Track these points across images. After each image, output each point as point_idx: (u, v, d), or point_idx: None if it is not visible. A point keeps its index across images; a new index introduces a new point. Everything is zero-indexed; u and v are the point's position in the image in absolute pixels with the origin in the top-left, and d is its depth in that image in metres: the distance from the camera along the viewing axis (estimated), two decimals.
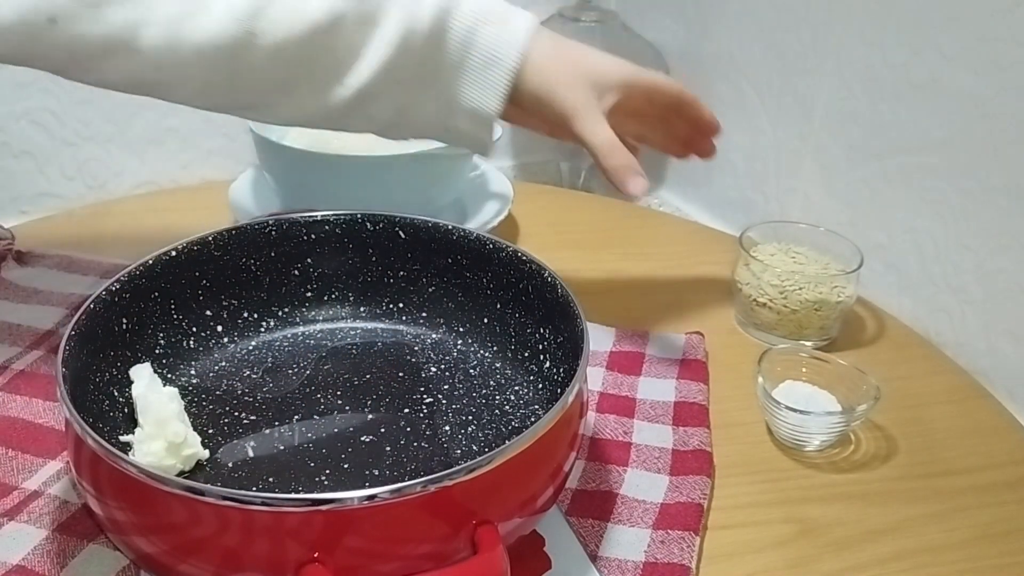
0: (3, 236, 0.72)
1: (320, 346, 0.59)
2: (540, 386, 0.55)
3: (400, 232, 0.60)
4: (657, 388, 0.62)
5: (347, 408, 0.54)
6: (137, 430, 0.48)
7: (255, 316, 0.60)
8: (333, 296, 0.61)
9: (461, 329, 0.60)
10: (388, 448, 0.51)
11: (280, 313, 0.60)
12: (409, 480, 0.38)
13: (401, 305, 0.61)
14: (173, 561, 0.40)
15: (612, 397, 0.61)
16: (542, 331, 0.56)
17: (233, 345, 0.58)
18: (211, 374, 0.56)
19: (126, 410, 0.50)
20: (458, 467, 0.39)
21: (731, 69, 0.91)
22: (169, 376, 0.55)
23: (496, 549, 0.40)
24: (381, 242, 0.60)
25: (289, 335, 0.60)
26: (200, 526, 0.39)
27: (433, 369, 0.57)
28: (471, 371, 0.57)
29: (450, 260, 0.59)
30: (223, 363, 0.57)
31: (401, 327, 0.61)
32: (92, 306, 0.49)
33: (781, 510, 0.54)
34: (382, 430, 0.52)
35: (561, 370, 0.53)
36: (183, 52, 0.53)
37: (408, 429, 0.52)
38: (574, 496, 0.52)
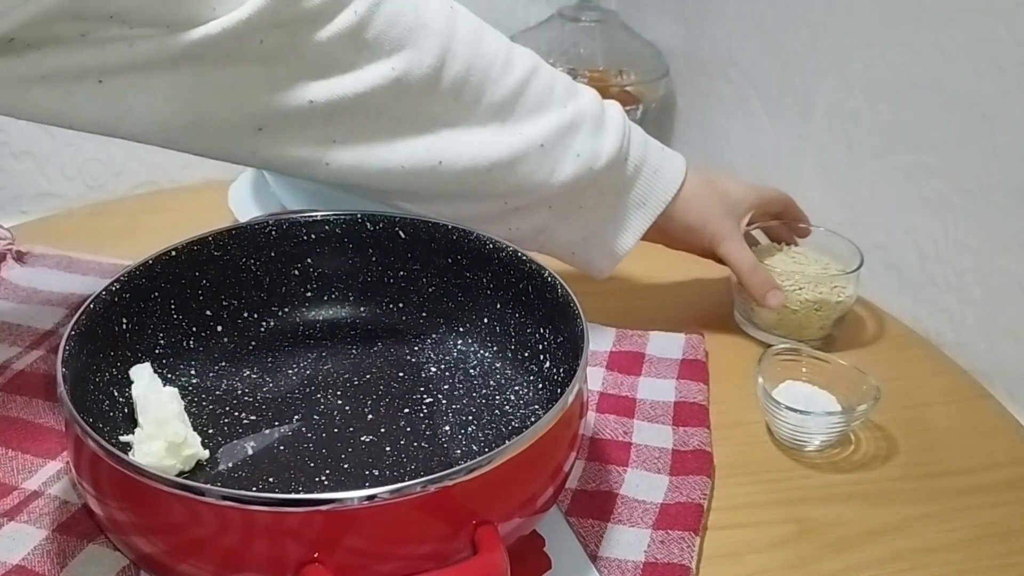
0: (3, 236, 0.72)
1: (320, 346, 0.59)
2: (540, 386, 0.55)
3: (400, 232, 0.60)
4: (657, 388, 0.62)
5: (347, 408, 0.54)
6: (137, 430, 0.48)
7: (255, 316, 0.60)
8: (333, 296, 0.61)
9: (461, 329, 0.60)
10: (388, 448, 0.51)
11: (280, 313, 0.60)
12: (409, 480, 0.38)
13: (401, 305, 0.61)
14: (173, 561, 0.40)
15: (612, 397, 0.61)
16: (542, 331, 0.56)
17: (233, 345, 0.58)
18: (211, 374, 0.56)
19: (126, 410, 0.50)
20: (458, 467, 0.39)
21: (731, 69, 0.91)
22: (169, 376, 0.55)
23: (496, 549, 0.40)
24: (381, 242, 0.60)
25: (289, 335, 0.60)
26: (200, 526, 0.39)
27: (433, 369, 0.57)
28: (471, 371, 0.57)
29: (450, 260, 0.59)
30: (223, 363, 0.57)
31: (401, 327, 0.61)
32: (92, 306, 0.49)
33: (781, 510, 0.54)
34: (382, 430, 0.52)
35: (561, 370, 0.53)
36: (369, 171, 0.57)
37: (408, 429, 0.52)
38: (574, 496, 0.52)
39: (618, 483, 0.54)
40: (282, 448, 0.50)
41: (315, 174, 0.57)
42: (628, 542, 0.49)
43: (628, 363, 0.65)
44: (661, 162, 0.65)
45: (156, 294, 0.55)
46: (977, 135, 0.67)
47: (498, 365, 0.58)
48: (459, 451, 0.51)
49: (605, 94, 0.64)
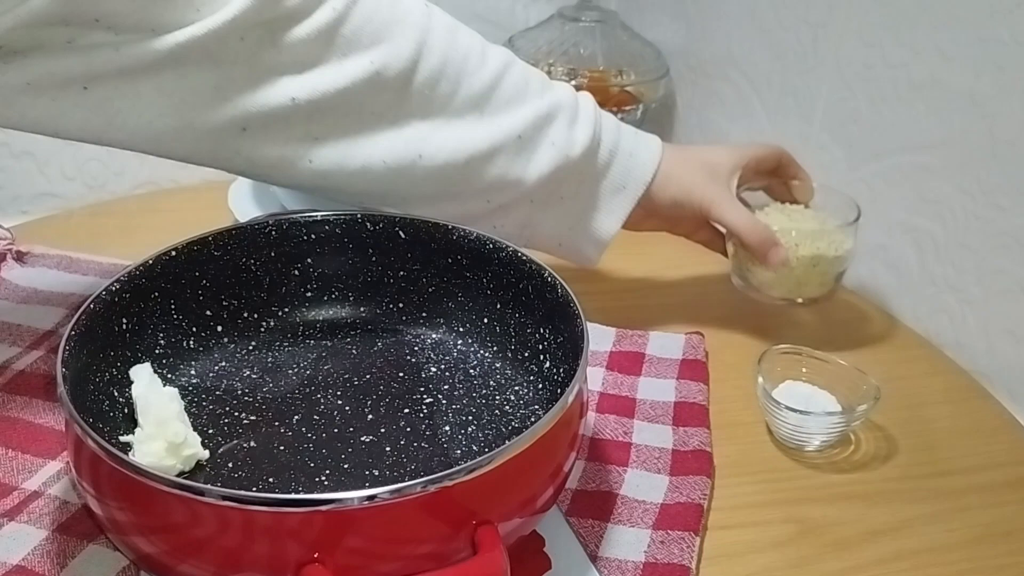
0: (3, 236, 0.72)
1: (320, 346, 0.59)
2: (540, 386, 0.55)
3: (400, 232, 0.60)
4: (657, 388, 0.62)
5: (347, 408, 0.54)
6: (137, 430, 0.48)
7: (255, 316, 0.60)
8: (333, 296, 0.61)
9: (461, 329, 0.60)
10: (388, 448, 0.51)
11: (280, 313, 0.60)
12: (409, 480, 0.38)
13: (401, 305, 0.61)
14: (173, 561, 0.40)
15: (612, 397, 0.61)
16: (542, 331, 0.56)
17: (233, 345, 0.58)
18: (211, 374, 0.56)
19: (126, 410, 0.50)
20: (458, 467, 0.39)
21: (731, 69, 0.91)
22: (169, 376, 0.55)
23: (496, 549, 0.40)
24: (381, 242, 0.60)
25: (289, 335, 0.60)
26: (200, 526, 0.39)
27: (433, 369, 0.57)
28: (471, 371, 0.57)
29: (450, 260, 0.59)
30: (223, 363, 0.57)
31: (401, 327, 0.61)
32: (92, 306, 0.49)
33: (781, 510, 0.54)
34: (382, 430, 0.52)
35: (561, 370, 0.53)
36: (350, 168, 0.58)
37: (408, 429, 0.52)
38: (574, 496, 0.52)
39: (618, 483, 0.54)
40: (282, 448, 0.50)
41: (299, 175, 0.58)
42: (628, 542, 0.49)
43: (628, 363, 0.65)
44: (635, 144, 0.65)
45: (156, 294, 0.55)
46: (977, 135, 0.67)
47: (498, 365, 0.58)
48: (459, 451, 0.51)
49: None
